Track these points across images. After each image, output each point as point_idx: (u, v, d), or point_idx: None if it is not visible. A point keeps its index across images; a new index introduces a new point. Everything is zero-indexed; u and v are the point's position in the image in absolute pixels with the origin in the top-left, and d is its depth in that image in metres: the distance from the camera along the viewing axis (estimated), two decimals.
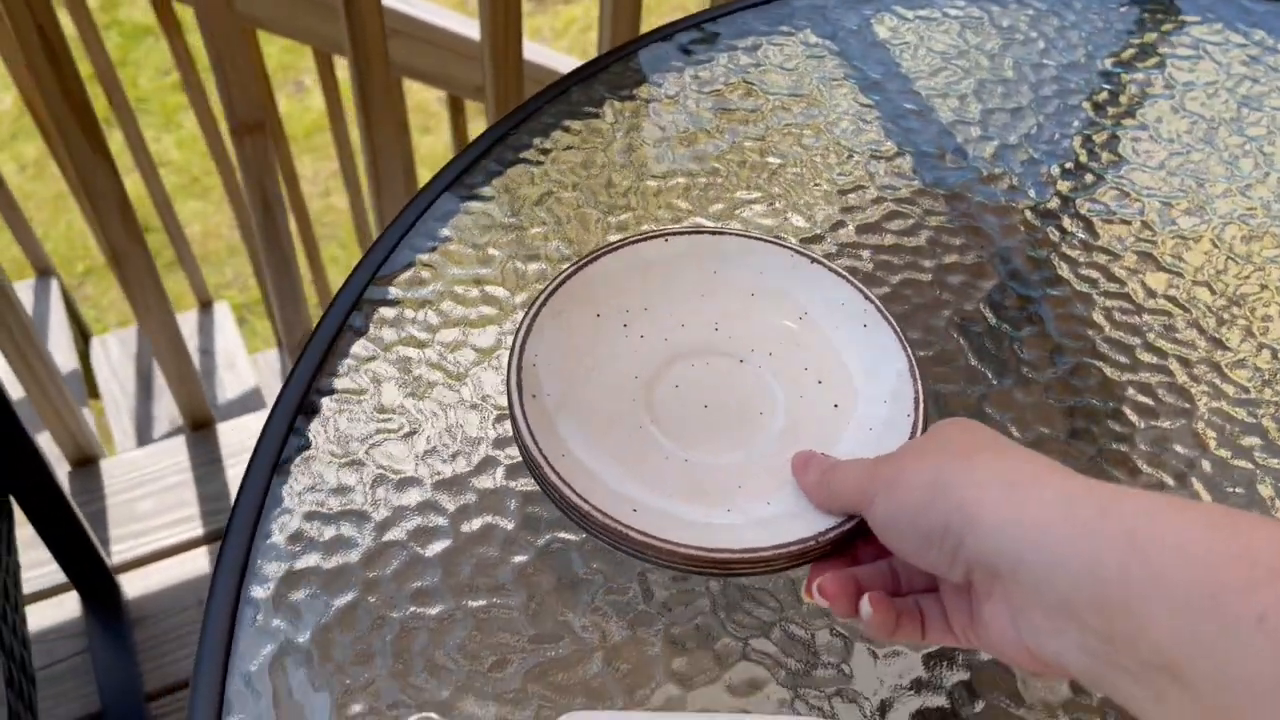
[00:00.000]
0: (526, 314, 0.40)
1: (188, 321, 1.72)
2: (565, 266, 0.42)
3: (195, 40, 0.99)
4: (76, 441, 1.24)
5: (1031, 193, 0.51)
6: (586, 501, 0.35)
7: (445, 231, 0.47)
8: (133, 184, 1.90)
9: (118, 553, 1.15)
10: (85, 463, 1.26)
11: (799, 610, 0.37)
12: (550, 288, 0.41)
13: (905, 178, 0.51)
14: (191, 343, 1.74)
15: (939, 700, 0.35)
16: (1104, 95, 0.56)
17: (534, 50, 1.29)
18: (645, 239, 0.43)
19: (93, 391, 1.67)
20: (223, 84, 0.95)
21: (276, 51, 2.15)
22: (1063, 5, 0.60)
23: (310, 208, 1.97)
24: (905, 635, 0.31)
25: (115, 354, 1.72)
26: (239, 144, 1.02)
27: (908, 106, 0.54)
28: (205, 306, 1.75)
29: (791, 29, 0.58)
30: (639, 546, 0.34)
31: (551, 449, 0.36)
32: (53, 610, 1.05)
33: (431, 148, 2.08)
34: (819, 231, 0.48)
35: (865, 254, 0.48)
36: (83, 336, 1.75)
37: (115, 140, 1.81)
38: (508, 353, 0.41)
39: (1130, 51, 0.58)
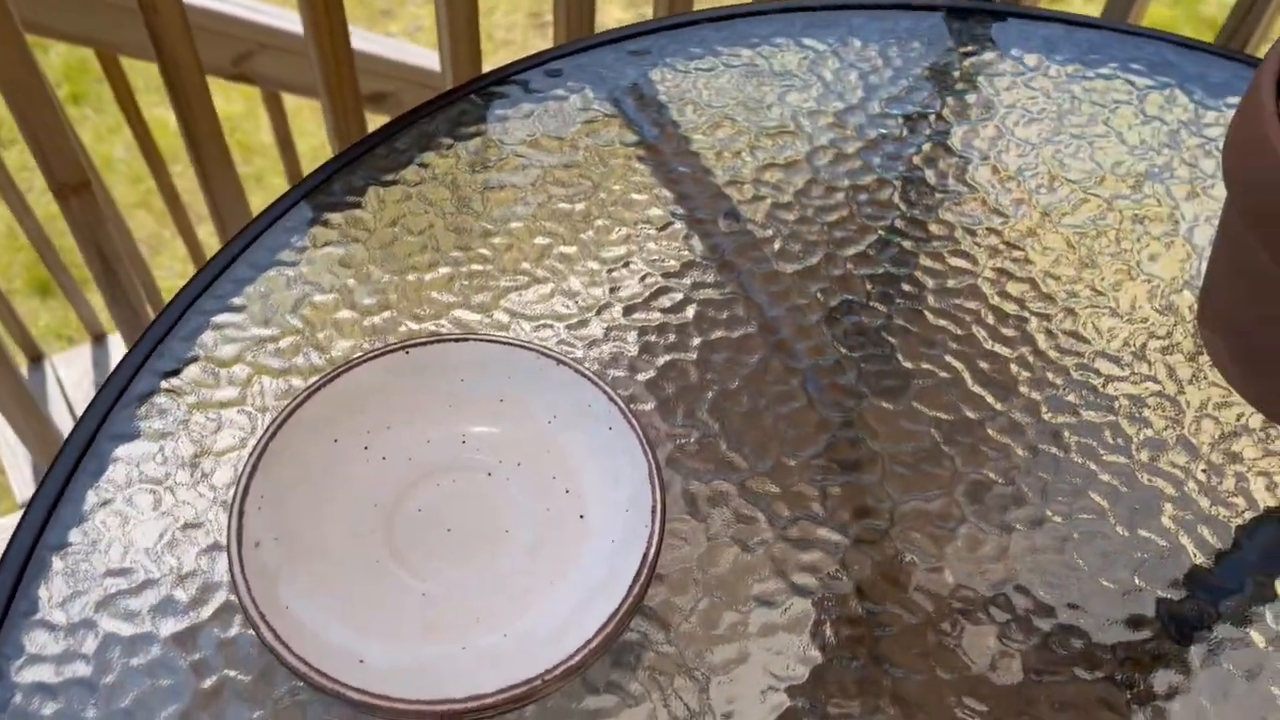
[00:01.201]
0: (252, 452, 0.38)
1: (81, 356, 1.67)
2: (300, 391, 0.40)
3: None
4: None
5: (799, 254, 0.50)
6: (304, 662, 0.34)
7: (191, 351, 0.45)
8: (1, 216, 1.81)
9: None
10: None
11: None
12: (279, 419, 0.39)
13: (675, 249, 0.50)
14: (87, 379, 1.68)
15: None
16: (876, 139, 0.55)
17: (395, 47, 1.27)
18: (385, 353, 0.41)
19: None
20: (35, 146, 0.91)
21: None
22: (841, 44, 0.60)
23: None
24: None
25: None
26: (65, 206, 0.98)
27: (682, 169, 0.53)
28: (99, 339, 1.69)
29: (565, 91, 0.56)
30: (360, 706, 0.33)
31: (269, 605, 0.35)
32: None
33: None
34: (584, 316, 0.48)
35: (631, 336, 0.47)
36: None
37: None
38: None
39: (905, 90, 0.58)
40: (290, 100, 1.34)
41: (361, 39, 1.18)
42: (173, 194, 1.33)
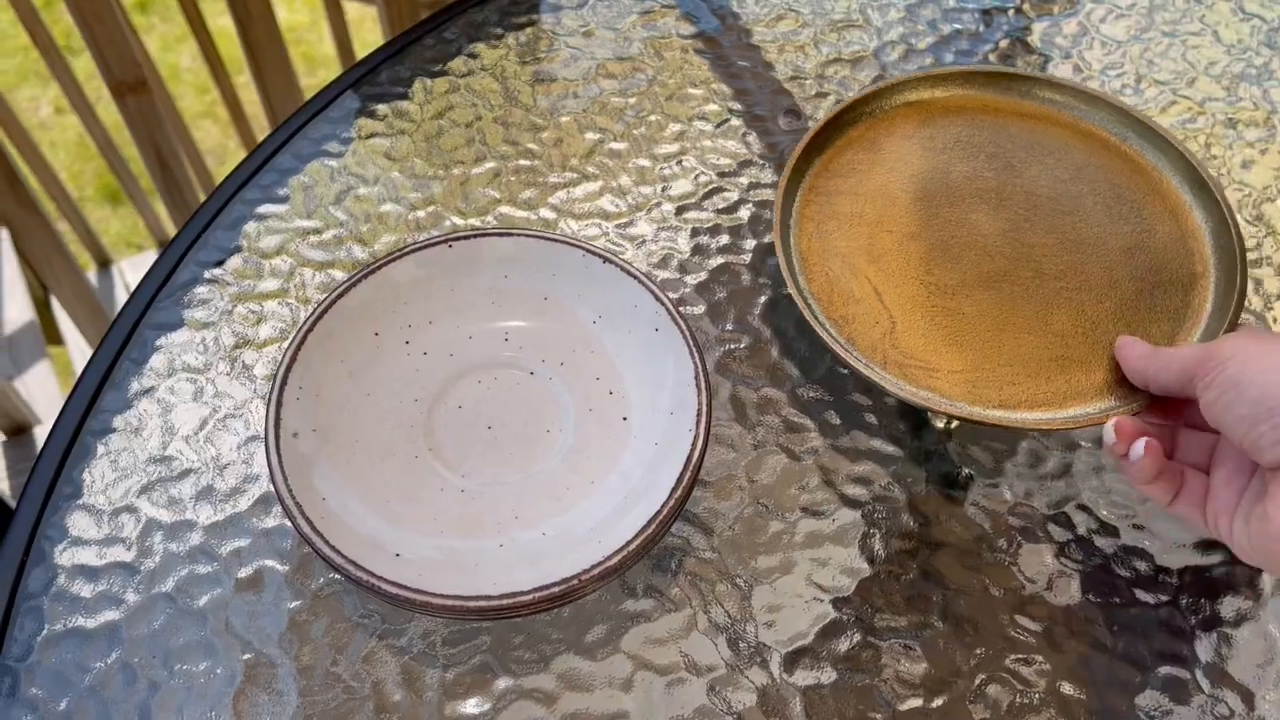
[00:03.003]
0: (290, 343, 0.37)
1: (148, 262, 1.69)
2: (341, 283, 0.39)
3: None
4: (7, 413, 1.23)
5: None
6: (339, 553, 0.33)
7: (235, 241, 0.44)
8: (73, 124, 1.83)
9: None
10: (18, 431, 1.25)
11: (580, 643, 0.36)
12: (319, 310, 0.38)
13: (731, 146, 0.48)
14: None
15: None
16: (949, 35, 0.52)
17: None
18: (426, 246, 0.40)
19: (54, 338, 1.65)
20: (93, 45, 0.91)
21: None
22: None
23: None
24: (1158, 493, 0.35)
25: None
26: (122, 104, 0.98)
27: (742, 64, 0.51)
28: (165, 245, 1.71)
29: None
30: (394, 599, 0.33)
31: (306, 495, 0.35)
32: None
33: None
34: (634, 215, 0.46)
35: (682, 236, 0.45)
36: (40, 285, 1.72)
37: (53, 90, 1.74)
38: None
39: None
40: (353, 10, 1.32)
41: None
42: (236, 104, 1.33)
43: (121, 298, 1.65)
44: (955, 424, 0.41)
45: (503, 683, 0.35)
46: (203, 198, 1.21)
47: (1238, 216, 0.45)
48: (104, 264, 1.69)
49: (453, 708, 0.35)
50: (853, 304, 0.41)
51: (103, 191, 1.95)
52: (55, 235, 1.06)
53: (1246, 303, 0.43)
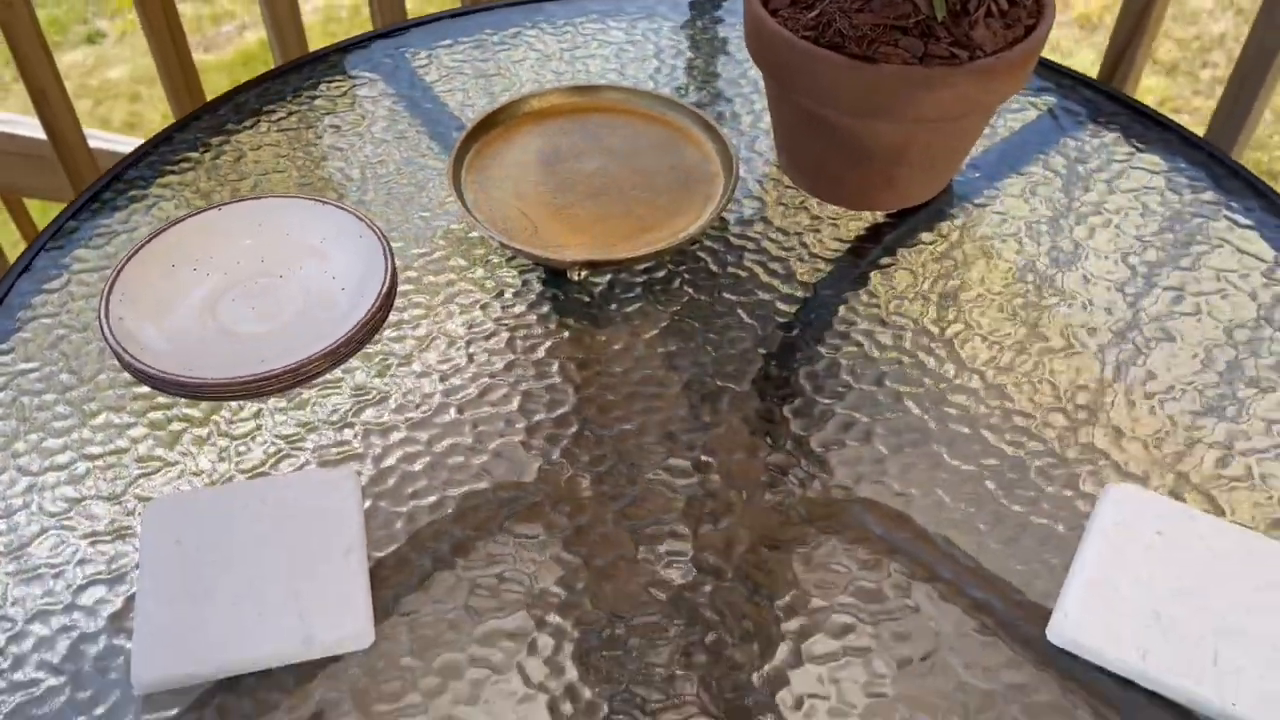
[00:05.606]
0: (114, 269, 0.57)
1: None
2: (144, 234, 0.59)
3: None
4: None
5: None
6: (144, 364, 0.52)
7: None
8: None
9: None
10: None
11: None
12: (131, 251, 0.58)
13: (420, 159, 0.71)
14: None
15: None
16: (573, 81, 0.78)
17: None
18: (205, 211, 0.61)
19: None
20: None
21: None
22: (619, 21, 0.83)
23: None
24: None
25: None
26: None
27: (427, 106, 0.75)
28: None
29: (370, 73, 0.77)
30: (191, 389, 0.52)
31: (133, 348, 0.53)
32: None
33: None
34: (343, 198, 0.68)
35: (390, 199, 0.67)
36: None
37: None
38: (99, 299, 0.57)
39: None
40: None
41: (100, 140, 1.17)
42: None
43: None
44: (585, 273, 0.63)
45: None
46: None
47: (735, 143, 0.71)
48: None
49: None
50: (511, 224, 0.64)
51: None
52: None
53: (748, 188, 0.68)
